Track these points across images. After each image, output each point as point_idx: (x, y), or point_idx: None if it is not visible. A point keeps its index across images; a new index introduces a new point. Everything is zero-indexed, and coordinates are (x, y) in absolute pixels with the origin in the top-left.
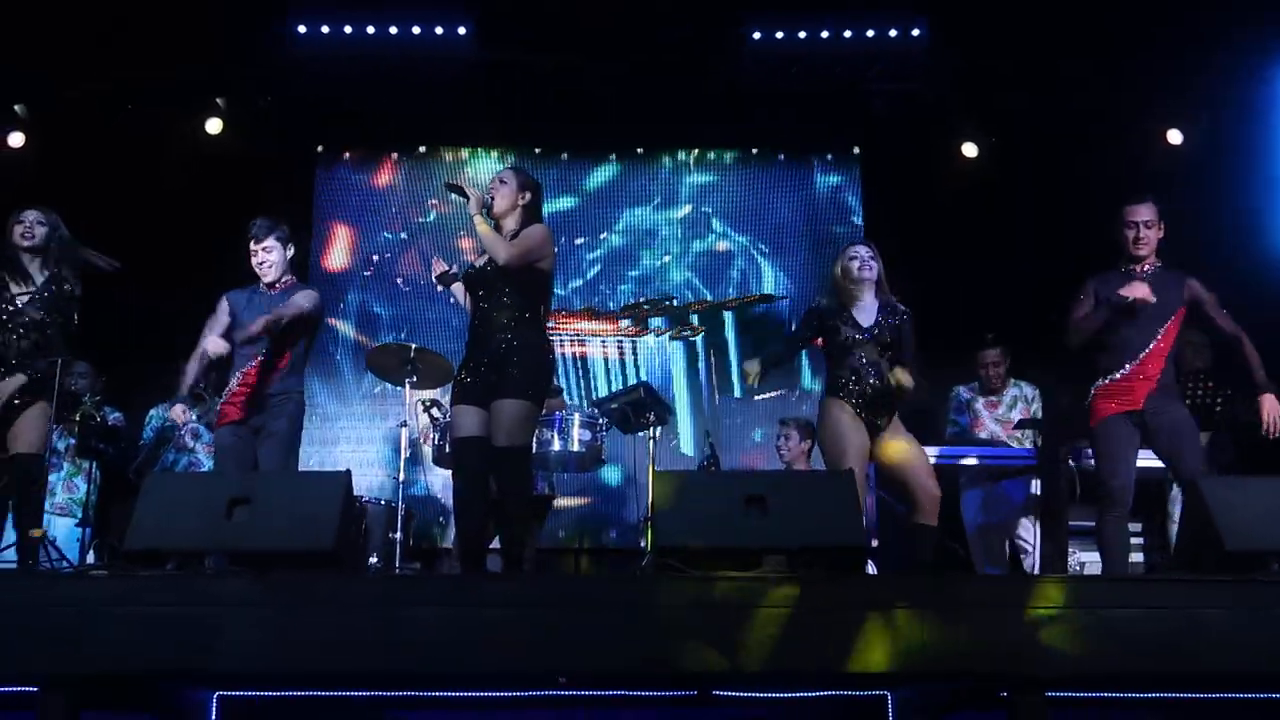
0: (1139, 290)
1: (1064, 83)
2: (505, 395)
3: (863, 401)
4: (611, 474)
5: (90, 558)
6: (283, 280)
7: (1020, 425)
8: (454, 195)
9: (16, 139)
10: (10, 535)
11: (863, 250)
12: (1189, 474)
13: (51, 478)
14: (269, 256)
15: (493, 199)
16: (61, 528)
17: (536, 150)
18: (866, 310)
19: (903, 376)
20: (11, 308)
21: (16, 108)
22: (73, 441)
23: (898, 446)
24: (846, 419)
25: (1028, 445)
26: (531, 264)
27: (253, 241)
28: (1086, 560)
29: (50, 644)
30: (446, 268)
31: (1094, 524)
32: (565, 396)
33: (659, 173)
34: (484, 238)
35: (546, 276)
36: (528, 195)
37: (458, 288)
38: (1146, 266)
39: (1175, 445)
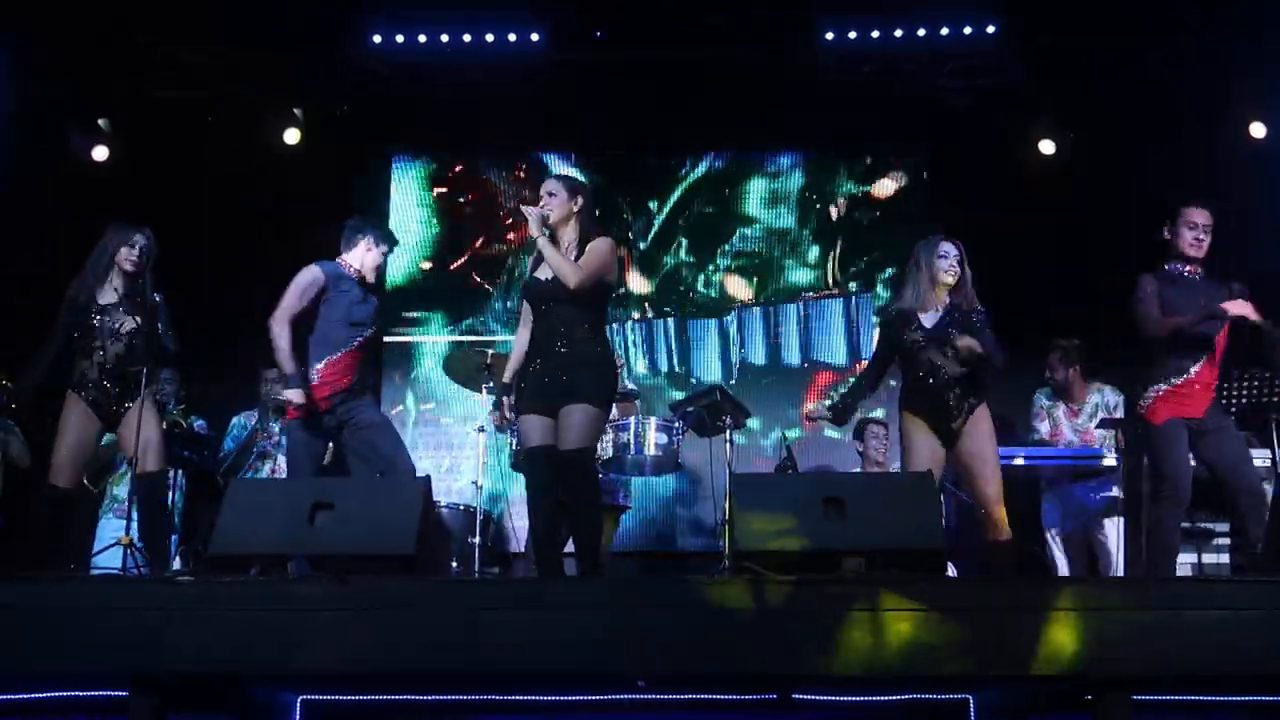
0: (1242, 308)
1: (1142, 77)
2: (574, 401)
3: (929, 408)
4: (688, 478)
5: (176, 563)
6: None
7: (1102, 425)
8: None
9: (101, 152)
10: (104, 540)
11: (953, 251)
12: (1247, 482)
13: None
14: (381, 265)
15: (548, 212)
16: None
17: (609, 153)
18: (934, 312)
19: (964, 342)
20: (109, 319)
21: (100, 122)
22: None
23: (967, 450)
24: (918, 433)
25: (1109, 445)
26: (598, 279)
27: (383, 244)
28: None
29: (138, 648)
30: (505, 417)
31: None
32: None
33: (732, 173)
34: (552, 262)
35: (610, 288)
36: (579, 200)
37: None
38: (1195, 271)
39: (1233, 454)
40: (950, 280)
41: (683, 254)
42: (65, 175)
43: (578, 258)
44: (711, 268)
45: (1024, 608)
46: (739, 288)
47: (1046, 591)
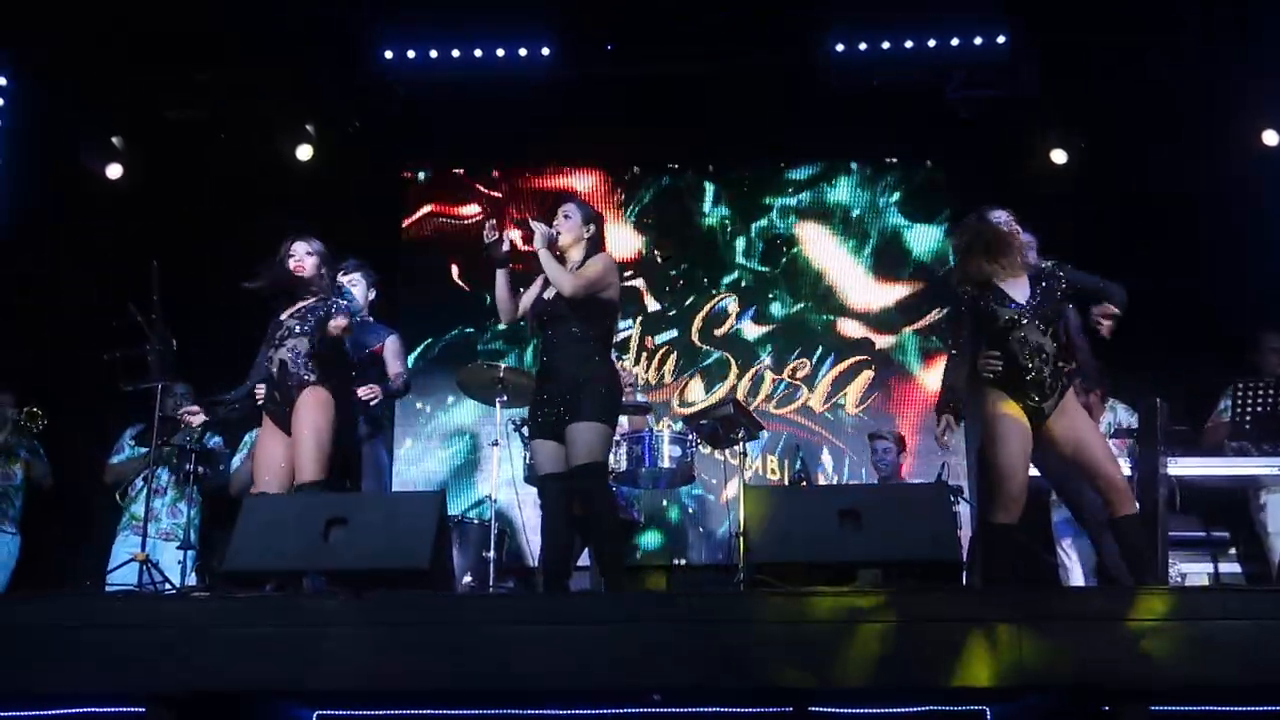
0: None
1: (1154, 85)
2: (579, 420)
3: (1025, 387)
4: (702, 490)
5: (192, 580)
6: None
7: (1117, 435)
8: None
9: (115, 170)
10: (120, 556)
11: (1002, 215)
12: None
13: (156, 503)
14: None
15: (558, 232)
16: (165, 552)
17: (622, 167)
18: (1018, 282)
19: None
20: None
21: (114, 140)
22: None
23: (1069, 426)
24: (1010, 417)
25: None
26: (596, 294)
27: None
28: (1188, 571)
29: (155, 665)
30: (499, 238)
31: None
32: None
33: (744, 185)
34: (549, 270)
35: (613, 306)
36: (592, 228)
37: (501, 286)
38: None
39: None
40: (1017, 241)
41: (695, 265)
42: (79, 190)
43: None
44: (723, 280)
45: (1040, 618)
46: (748, 300)
47: (1062, 602)
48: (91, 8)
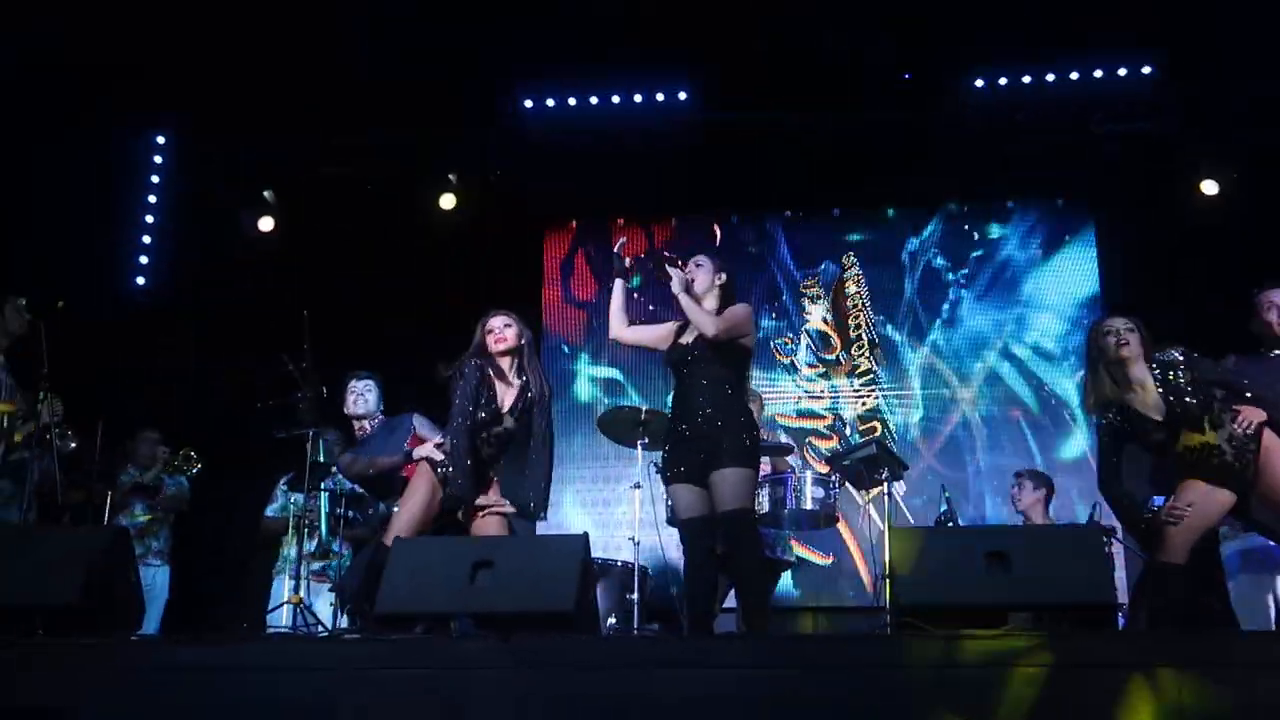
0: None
1: None
2: (723, 465)
3: (1222, 479)
4: (847, 531)
5: (343, 622)
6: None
7: None
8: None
9: (266, 223)
10: (276, 598)
11: (1118, 322)
12: None
13: (309, 545)
14: None
15: (692, 280)
16: (319, 594)
17: (758, 212)
18: (1148, 393)
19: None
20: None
21: (266, 194)
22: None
23: (1271, 476)
24: (1199, 486)
25: None
26: (735, 339)
27: None
28: None
29: (308, 707)
30: (630, 264)
31: None
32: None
33: (883, 229)
34: (690, 312)
35: (748, 353)
36: (723, 276)
37: (618, 296)
38: None
39: None
40: (1129, 353)
41: (840, 313)
42: (234, 243)
43: None
44: (871, 327)
45: (1205, 664)
46: (893, 344)
47: (1228, 646)
48: (245, 69)
